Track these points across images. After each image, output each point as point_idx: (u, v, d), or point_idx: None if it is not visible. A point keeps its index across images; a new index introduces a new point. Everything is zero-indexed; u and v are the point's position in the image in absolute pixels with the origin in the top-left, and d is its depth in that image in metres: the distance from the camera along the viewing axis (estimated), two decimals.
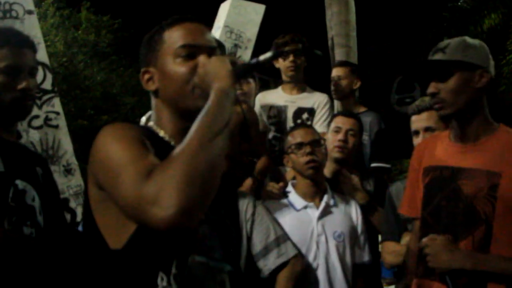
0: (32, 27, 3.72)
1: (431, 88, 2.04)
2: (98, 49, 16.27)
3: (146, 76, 1.45)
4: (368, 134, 3.64)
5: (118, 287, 1.28)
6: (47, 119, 3.83)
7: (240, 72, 1.34)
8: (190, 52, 1.39)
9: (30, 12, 3.77)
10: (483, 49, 2.08)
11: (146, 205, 1.12)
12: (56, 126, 3.87)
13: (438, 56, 2.04)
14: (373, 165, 3.62)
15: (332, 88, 3.92)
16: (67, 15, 15.95)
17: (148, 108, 1.64)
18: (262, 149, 3.34)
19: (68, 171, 3.90)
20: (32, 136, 3.75)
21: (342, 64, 4.32)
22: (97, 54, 16.22)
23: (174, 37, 1.41)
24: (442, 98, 2.02)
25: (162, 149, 1.29)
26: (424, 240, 2.02)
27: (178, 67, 1.39)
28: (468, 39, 2.09)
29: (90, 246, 1.35)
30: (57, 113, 3.89)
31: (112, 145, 1.25)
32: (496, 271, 1.89)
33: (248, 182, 2.83)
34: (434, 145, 2.19)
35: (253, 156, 3.04)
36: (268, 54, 1.37)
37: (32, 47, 1.94)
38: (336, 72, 3.97)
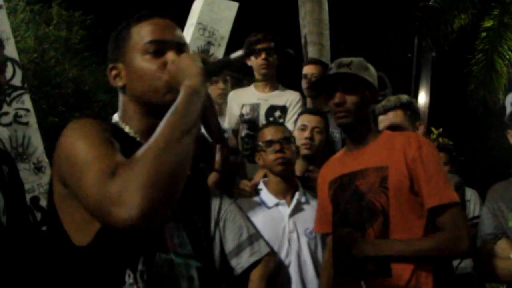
0: (1, 22, 3.65)
1: (339, 98, 2.23)
2: (69, 45, 16.01)
3: (114, 72, 1.44)
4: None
5: (85, 284, 1.27)
6: (16, 116, 3.77)
7: (211, 70, 1.33)
8: (159, 48, 1.38)
9: None
10: (375, 73, 2.33)
11: (109, 205, 1.10)
12: (26, 123, 3.81)
13: (345, 70, 2.23)
14: None
15: (306, 85, 3.92)
16: (38, 10, 15.66)
17: None
18: (218, 137, 3.26)
19: (38, 169, 3.85)
20: (1, 133, 3.69)
21: (316, 62, 4.30)
22: (68, 51, 15.96)
23: (142, 33, 1.39)
24: (348, 108, 2.23)
25: (128, 146, 1.27)
26: (333, 236, 2.21)
27: (146, 64, 1.37)
28: (365, 62, 2.32)
29: (55, 243, 1.32)
30: (27, 110, 3.83)
31: (77, 142, 1.23)
32: (396, 254, 2.09)
33: (212, 176, 2.80)
34: (333, 161, 2.45)
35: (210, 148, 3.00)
36: (239, 52, 1.37)
37: (0, 44, 1.91)
38: (310, 69, 3.96)
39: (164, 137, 1.16)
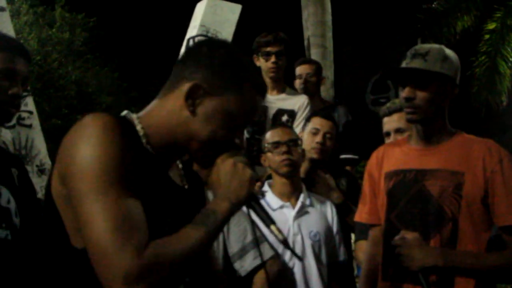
0: (4, 25, 3.66)
1: (408, 93, 2.08)
2: (72, 47, 16.04)
3: (196, 92, 1.32)
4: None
5: (86, 286, 1.24)
6: (20, 118, 3.77)
7: (251, 201, 1.36)
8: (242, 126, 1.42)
9: (2, 9, 3.70)
10: (457, 62, 2.15)
11: (119, 274, 1.09)
12: (29, 126, 3.81)
13: (418, 63, 2.07)
14: (342, 156, 3.65)
15: (301, 86, 3.96)
16: (41, 13, 15.71)
17: (123, 107, 1.59)
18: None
19: (41, 171, 3.85)
20: (4, 136, 3.68)
21: (308, 61, 4.33)
22: (71, 53, 16.00)
23: (248, 101, 1.36)
24: (417, 104, 2.08)
25: (139, 155, 1.25)
26: (396, 238, 2.06)
27: (228, 129, 1.35)
28: (446, 49, 2.14)
29: (53, 244, 1.30)
30: (31, 112, 3.83)
31: (94, 161, 1.16)
32: (464, 267, 1.98)
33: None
34: (393, 151, 2.28)
35: None
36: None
37: (27, 57, 1.88)
38: (304, 69, 4.00)
39: (199, 242, 1.21)
